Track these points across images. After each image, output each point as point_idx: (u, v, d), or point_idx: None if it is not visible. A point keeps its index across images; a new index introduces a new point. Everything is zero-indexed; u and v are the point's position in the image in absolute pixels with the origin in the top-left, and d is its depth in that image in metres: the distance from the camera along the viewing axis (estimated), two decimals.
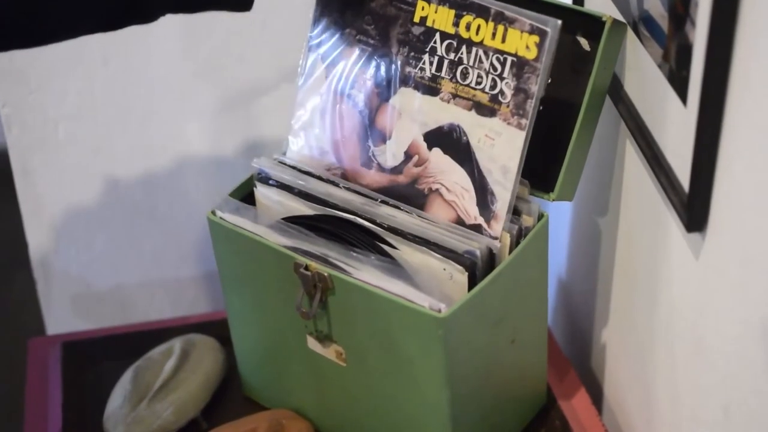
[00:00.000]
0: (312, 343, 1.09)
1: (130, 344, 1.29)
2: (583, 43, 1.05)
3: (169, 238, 1.48)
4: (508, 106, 1.01)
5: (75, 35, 0.95)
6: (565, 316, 1.38)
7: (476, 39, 1.02)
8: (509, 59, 1.01)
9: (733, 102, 0.82)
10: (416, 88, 1.06)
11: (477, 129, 1.03)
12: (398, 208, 1.06)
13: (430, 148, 1.06)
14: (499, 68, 1.01)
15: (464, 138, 1.04)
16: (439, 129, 1.05)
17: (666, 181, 0.94)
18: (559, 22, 0.98)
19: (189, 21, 1.34)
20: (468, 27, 1.03)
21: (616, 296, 1.18)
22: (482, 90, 1.03)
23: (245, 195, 1.13)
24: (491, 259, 1.02)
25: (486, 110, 1.03)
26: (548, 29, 0.98)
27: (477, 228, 1.03)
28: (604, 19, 1.01)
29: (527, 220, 1.05)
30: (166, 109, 1.39)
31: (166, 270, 1.50)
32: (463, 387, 1.04)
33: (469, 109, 1.03)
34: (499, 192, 1.02)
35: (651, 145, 0.98)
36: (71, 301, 1.49)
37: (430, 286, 1.00)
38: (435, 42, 1.05)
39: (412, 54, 1.06)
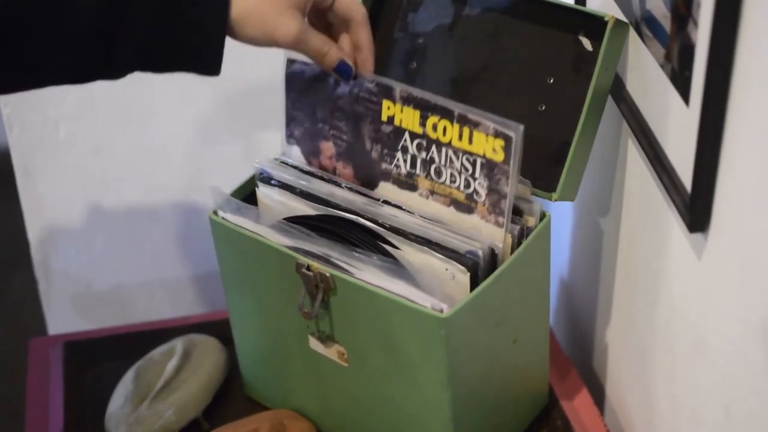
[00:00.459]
0: (314, 344, 1.09)
1: (132, 344, 1.29)
2: (585, 42, 1.05)
3: (170, 237, 1.48)
4: (484, 205, 1.02)
5: (41, 86, 0.96)
6: (567, 316, 1.38)
7: (444, 140, 1.02)
8: (479, 160, 1.01)
9: (735, 102, 0.82)
10: (395, 183, 1.07)
11: (459, 223, 1.04)
12: (400, 208, 1.06)
13: None
14: (470, 168, 1.01)
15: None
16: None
17: (668, 181, 0.94)
18: (522, 127, 0.97)
19: None
20: (435, 128, 1.02)
21: (617, 296, 1.18)
22: (457, 188, 1.03)
23: (247, 195, 1.13)
24: (493, 260, 1.02)
25: (464, 207, 1.03)
26: (512, 134, 0.98)
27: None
28: (606, 18, 1.01)
29: (529, 221, 1.05)
30: (167, 109, 1.39)
31: (167, 270, 1.50)
32: (465, 387, 1.04)
33: (448, 206, 1.04)
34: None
35: (653, 145, 0.98)
36: (72, 301, 1.49)
37: (432, 287, 1.00)
38: (405, 141, 1.05)
39: (386, 151, 1.06)
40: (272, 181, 1.11)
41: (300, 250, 1.04)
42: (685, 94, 0.89)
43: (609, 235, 1.17)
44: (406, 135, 1.05)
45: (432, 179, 1.04)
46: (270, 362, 1.18)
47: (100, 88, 1.36)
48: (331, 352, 1.08)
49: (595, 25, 1.03)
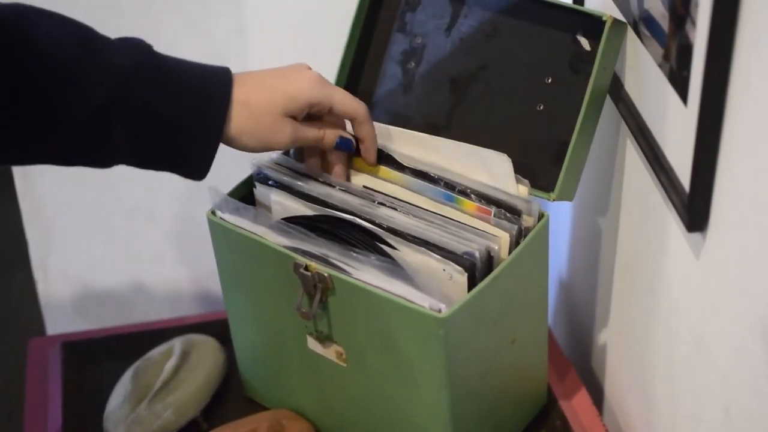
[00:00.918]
0: (312, 344, 1.09)
1: (130, 344, 1.29)
2: (584, 42, 1.05)
3: (169, 238, 1.47)
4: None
5: (26, 164, 0.99)
6: (565, 316, 1.38)
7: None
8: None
9: (733, 102, 0.82)
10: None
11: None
12: (395, 209, 1.06)
13: None
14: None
15: None
16: None
17: (667, 180, 0.94)
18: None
19: (187, 21, 1.34)
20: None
21: (616, 296, 1.17)
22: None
23: (245, 195, 1.12)
24: (490, 260, 1.02)
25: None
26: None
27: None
28: (604, 18, 1.01)
29: (527, 221, 1.05)
30: None
31: (165, 270, 1.50)
32: (464, 387, 1.04)
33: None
34: None
35: (651, 145, 0.98)
36: (71, 301, 1.49)
37: (430, 287, 1.00)
38: None
39: None
40: (269, 182, 1.11)
41: (298, 250, 1.04)
42: (683, 94, 0.89)
43: (607, 235, 1.17)
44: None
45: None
46: (268, 362, 1.18)
47: None
48: (330, 353, 1.08)
49: (593, 24, 1.03)
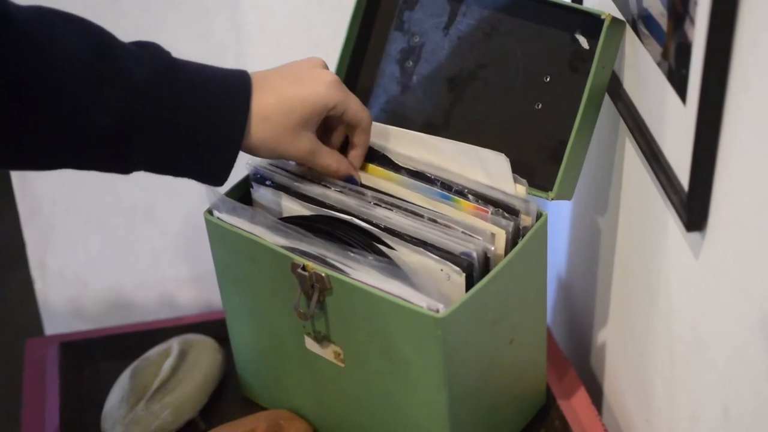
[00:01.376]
0: (310, 344, 1.09)
1: (128, 344, 1.29)
2: (582, 41, 1.04)
3: (166, 237, 1.47)
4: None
5: (47, 170, 1.00)
6: (564, 315, 1.37)
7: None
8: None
9: (732, 100, 0.82)
10: None
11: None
12: (391, 210, 1.06)
13: None
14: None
15: None
16: None
17: (665, 179, 0.94)
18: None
19: (187, 20, 1.34)
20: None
21: (615, 295, 1.17)
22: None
23: (242, 195, 1.12)
24: (488, 260, 1.02)
25: None
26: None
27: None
28: (603, 16, 1.00)
29: (526, 220, 1.04)
30: None
31: (163, 270, 1.49)
32: (462, 387, 1.03)
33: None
34: None
35: (650, 144, 0.97)
36: (69, 301, 1.49)
37: (428, 287, 0.99)
38: None
39: None
40: (267, 182, 1.10)
41: (295, 250, 1.04)
42: (682, 93, 0.88)
43: (606, 234, 1.17)
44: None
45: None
46: (266, 362, 1.18)
47: None
48: (328, 353, 1.08)
49: (591, 23, 1.02)
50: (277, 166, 1.12)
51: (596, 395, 1.25)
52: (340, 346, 1.07)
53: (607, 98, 1.06)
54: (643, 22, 0.97)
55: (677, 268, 0.98)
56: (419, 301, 0.97)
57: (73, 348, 1.30)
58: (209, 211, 1.09)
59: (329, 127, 1.08)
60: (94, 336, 1.32)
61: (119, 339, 1.31)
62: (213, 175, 1.00)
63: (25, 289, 1.55)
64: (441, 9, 1.13)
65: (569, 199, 1.08)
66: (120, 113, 0.93)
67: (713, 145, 0.85)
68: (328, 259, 1.02)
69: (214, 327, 1.29)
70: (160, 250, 1.48)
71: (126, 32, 1.00)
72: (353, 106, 1.05)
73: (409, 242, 1.02)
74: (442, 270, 1.00)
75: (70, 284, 1.48)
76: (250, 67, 1.37)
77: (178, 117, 0.95)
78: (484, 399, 1.08)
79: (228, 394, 1.24)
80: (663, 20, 0.91)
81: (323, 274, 1.01)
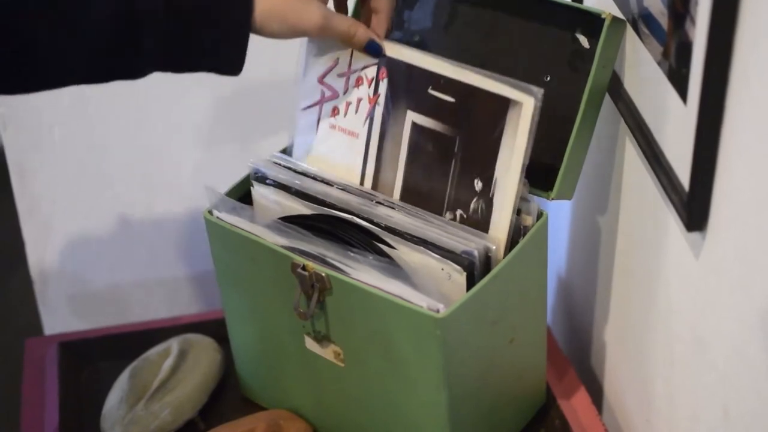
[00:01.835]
0: (310, 344, 1.09)
1: (127, 344, 1.28)
2: (583, 40, 1.04)
3: (166, 237, 1.47)
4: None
5: (61, 86, 0.96)
6: (564, 315, 1.37)
7: None
8: None
9: (733, 100, 0.82)
10: None
11: None
12: (393, 208, 1.06)
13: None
14: None
15: None
16: None
17: (666, 179, 0.94)
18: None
19: None
20: None
21: (615, 295, 1.17)
22: None
23: (242, 194, 1.12)
24: (488, 259, 1.02)
25: None
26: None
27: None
28: (603, 16, 1.00)
29: (526, 219, 1.04)
30: (161, 108, 1.39)
31: (162, 269, 1.49)
32: (462, 387, 1.03)
33: None
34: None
35: (651, 144, 0.97)
36: (68, 301, 1.49)
37: (428, 286, 0.99)
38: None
39: None
40: (267, 181, 1.10)
41: (295, 250, 1.04)
42: (682, 92, 0.88)
43: (606, 234, 1.17)
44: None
45: None
46: (266, 362, 1.18)
47: (94, 87, 1.36)
48: (327, 353, 1.08)
49: (592, 22, 1.02)
50: (278, 163, 1.12)
51: (596, 395, 1.25)
52: (340, 346, 1.07)
53: (607, 98, 1.06)
54: (643, 21, 0.96)
55: (677, 268, 0.98)
56: (419, 300, 0.97)
57: (73, 348, 1.30)
58: (209, 211, 1.09)
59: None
60: (93, 336, 1.32)
61: (119, 339, 1.31)
62: (229, 61, 0.97)
63: (25, 289, 1.55)
64: (441, 8, 1.13)
65: (569, 198, 1.08)
66: (123, 4, 0.91)
67: (714, 145, 0.85)
68: (328, 259, 1.02)
69: (213, 327, 1.29)
70: (159, 250, 1.48)
71: None
72: None
73: (409, 241, 1.02)
74: (443, 269, 1.00)
75: (69, 284, 1.48)
76: (249, 69, 1.37)
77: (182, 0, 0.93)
78: (484, 399, 1.08)
79: (227, 393, 1.24)
80: (663, 19, 0.91)
81: (323, 274, 1.01)
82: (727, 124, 0.83)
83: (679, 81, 0.89)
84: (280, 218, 1.08)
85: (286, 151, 1.14)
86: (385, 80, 1.06)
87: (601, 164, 1.14)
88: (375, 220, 1.05)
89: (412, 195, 1.07)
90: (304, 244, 1.04)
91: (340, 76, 1.09)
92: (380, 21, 1.05)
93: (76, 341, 1.31)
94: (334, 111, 1.11)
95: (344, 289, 1.01)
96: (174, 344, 1.24)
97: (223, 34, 0.96)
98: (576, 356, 1.32)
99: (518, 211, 1.04)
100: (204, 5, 0.94)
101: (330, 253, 1.02)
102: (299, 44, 1.11)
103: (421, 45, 1.14)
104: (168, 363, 1.21)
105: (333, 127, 1.11)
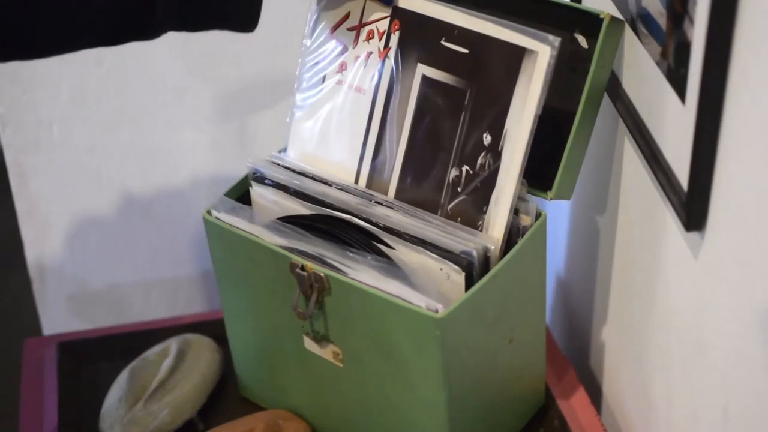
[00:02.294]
0: (309, 344, 1.09)
1: (126, 344, 1.28)
2: (581, 40, 1.04)
3: (165, 237, 1.47)
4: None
5: (76, 49, 0.95)
6: (563, 315, 1.37)
7: None
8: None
9: (732, 100, 0.82)
10: None
11: None
12: (392, 208, 1.06)
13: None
14: None
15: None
16: None
17: (664, 179, 0.94)
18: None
19: None
20: None
21: (614, 295, 1.17)
22: None
23: (241, 194, 1.12)
24: (487, 259, 1.02)
25: None
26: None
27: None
28: (602, 16, 1.00)
29: (525, 220, 1.04)
30: (161, 108, 1.39)
31: (161, 269, 1.49)
32: (461, 387, 1.03)
33: None
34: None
35: (649, 144, 0.97)
36: (67, 301, 1.49)
37: (427, 286, 0.99)
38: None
39: None
40: (266, 181, 1.10)
41: (294, 250, 1.04)
42: (681, 92, 0.88)
43: (605, 234, 1.17)
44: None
45: None
46: (265, 362, 1.17)
47: (93, 87, 1.36)
48: (326, 353, 1.08)
49: (590, 22, 1.02)
50: (277, 164, 1.12)
51: (595, 395, 1.25)
52: (339, 346, 1.07)
53: (606, 98, 1.06)
54: (642, 21, 0.96)
55: (676, 268, 0.98)
56: (418, 301, 0.97)
57: (72, 348, 1.30)
58: (208, 211, 1.09)
59: None
60: (92, 336, 1.32)
61: (117, 339, 1.31)
62: (242, 17, 0.96)
63: (23, 289, 1.55)
64: None
65: (568, 198, 1.07)
66: None
67: (712, 145, 0.85)
68: (327, 259, 1.02)
69: (212, 327, 1.28)
70: (157, 250, 1.48)
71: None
72: None
73: (408, 241, 1.02)
74: (441, 269, 1.00)
75: (68, 284, 1.48)
76: (248, 69, 1.38)
77: None
78: (483, 399, 1.08)
79: (226, 394, 1.24)
80: (662, 20, 0.91)
81: (322, 274, 1.01)
82: (725, 124, 0.83)
83: (677, 81, 0.89)
84: (278, 218, 1.08)
85: (285, 150, 1.14)
86: (397, 33, 1.05)
87: (600, 164, 1.14)
88: (373, 220, 1.05)
89: (418, 151, 1.07)
90: (303, 244, 1.04)
91: (350, 29, 1.08)
92: None
93: (75, 341, 1.31)
94: (342, 66, 1.09)
95: (343, 290, 1.01)
96: (173, 344, 1.24)
97: None
98: (575, 356, 1.32)
99: (517, 211, 1.04)
100: None
101: (329, 254, 1.02)
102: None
103: None
104: (167, 363, 1.21)
105: (339, 83, 1.10)
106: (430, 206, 1.06)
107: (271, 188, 1.10)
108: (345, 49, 1.08)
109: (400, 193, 1.07)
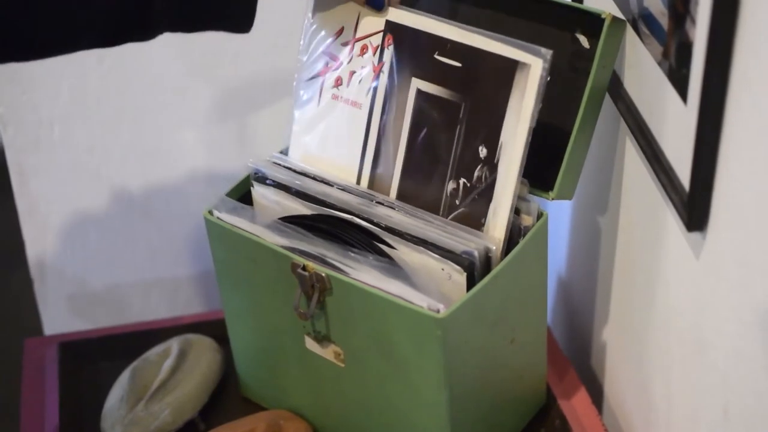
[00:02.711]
0: (310, 344, 1.09)
1: (127, 344, 1.28)
2: (583, 40, 1.04)
3: (166, 237, 1.47)
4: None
5: (76, 49, 0.95)
6: (564, 315, 1.37)
7: None
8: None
9: (733, 100, 0.82)
10: None
11: None
12: (393, 208, 1.06)
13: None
14: None
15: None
16: None
17: (666, 179, 0.94)
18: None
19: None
20: None
21: (616, 295, 1.17)
22: None
23: (242, 194, 1.12)
24: (489, 259, 1.02)
25: None
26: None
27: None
28: (603, 16, 1.00)
29: (526, 220, 1.04)
30: (161, 108, 1.39)
31: (162, 269, 1.49)
32: (462, 387, 1.03)
33: None
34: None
35: (651, 144, 0.97)
36: (68, 301, 1.49)
37: (429, 286, 0.99)
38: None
39: None
40: (267, 181, 1.10)
41: (296, 250, 1.04)
42: (682, 92, 0.88)
43: (607, 234, 1.17)
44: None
45: None
46: (266, 362, 1.17)
47: (94, 87, 1.36)
48: (328, 353, 1.08)
49: (592, 22, 1.02)
50: (278, 164, 1.12)
51: (596, 395, 1.25)
52: (340, 346, 1.07)
53: (607, 98, 1.06)
54: (643, 21, 0.96)
55: (677, 268, 0.98)
56: (420, 301, 0.97)
57: (73, 348, 1.30)
58: (209, 211, 1.09)
59: None
60: (93, 336, 1.32)
61: (118, 339, 1.31)
62: (238, 18, 0.96)
63: (24, 289, 1.55)
64: (440, 8, 1.13)
65: (570, 199, 1.07)
66: None
67: (714, 145, 0.85)
68: (328, 259, 1.02)
69: (213, 327, 1.28)
70: (158, 250, 1.48)
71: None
72: None
73: (410, 241, 1.02)
74: (443, 269, 1.00)
75: (69, 284, 1.48)
76: (248, 68, 1.38)
77: None
78: (485, 399, 1.08)
79: (228, 394, 1.24)
80: (664, 19, 0.91)
81: (323, 274, 1.01)
82: (727, 124, 0.83)
83: (679, 81, 0.89)
84: (280, 218, 1.08)
85: (286, 152, 1.14)
86: (391, 47, 1.06)
87: (602, 164, 1.14)
88: (375, 220, 1.05)
89: (415, 165, 1.07)
90: (304, 244, 1.04)
91: (344, 44, 1.08)
92: None
93: (76, 341, 1.31)
94: (337, 81, 1.10)
95: (344, 290, 1.01)
96: (174, 344, 1.24)
97: None
98: (576, 356, 1.32)
99: (518, 211, 1.04)
100: None
101: (330, 254, 1.02)
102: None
103: None
104: (168, 363, 1.21)
105: (336, 97, 1.10)
106: None
107: (272, 188, 1.10)
108: (340, 64, 1.09)
109: None
